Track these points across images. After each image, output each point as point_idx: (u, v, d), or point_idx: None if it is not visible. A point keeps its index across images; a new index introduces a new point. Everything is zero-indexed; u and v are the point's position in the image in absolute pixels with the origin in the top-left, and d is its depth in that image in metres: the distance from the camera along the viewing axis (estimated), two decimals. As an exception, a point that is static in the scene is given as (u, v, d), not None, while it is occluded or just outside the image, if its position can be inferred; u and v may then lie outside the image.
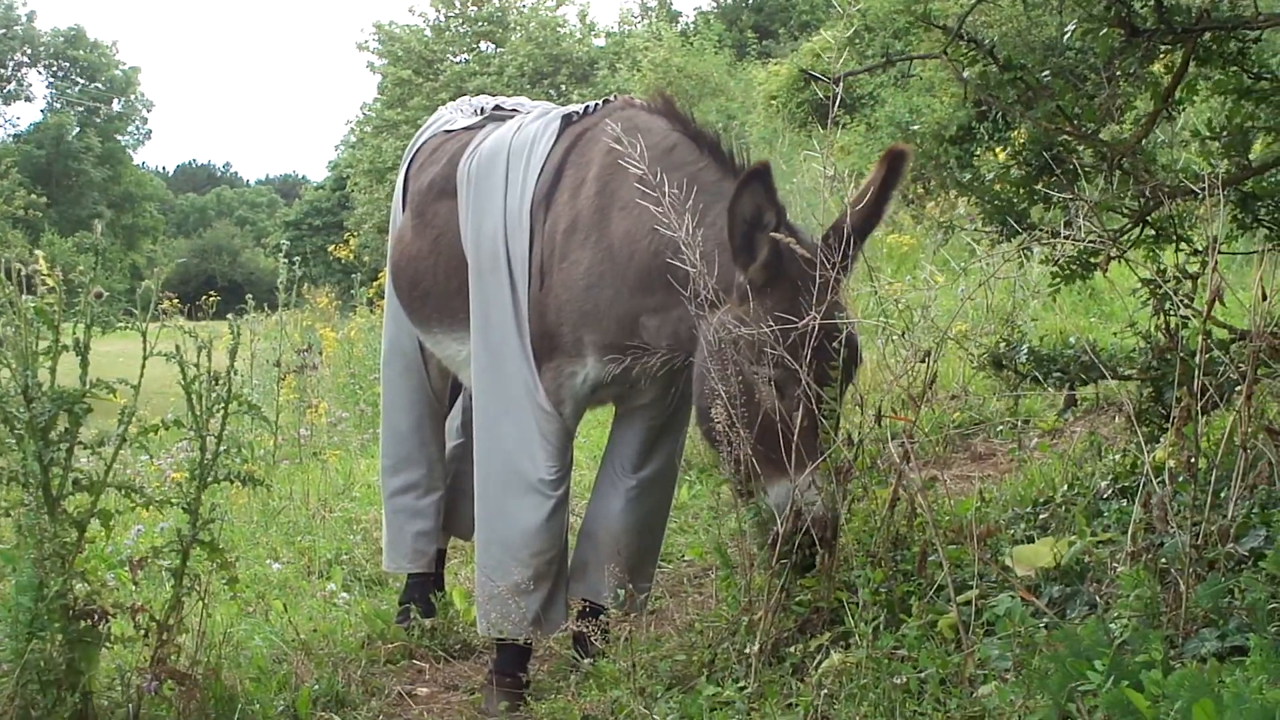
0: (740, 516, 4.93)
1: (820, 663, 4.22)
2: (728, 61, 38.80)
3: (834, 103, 5.10)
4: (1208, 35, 5.03)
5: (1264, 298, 4.18)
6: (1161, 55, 5.22)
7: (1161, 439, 4.66)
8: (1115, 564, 4.17)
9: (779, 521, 4.59)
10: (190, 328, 5.04)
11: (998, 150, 10.01)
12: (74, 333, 4.76)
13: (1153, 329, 5.08)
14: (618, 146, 4.91)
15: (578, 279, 5.28)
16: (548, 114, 5.78)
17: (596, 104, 5.69)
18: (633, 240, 5.13)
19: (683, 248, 4.64)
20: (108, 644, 4.83)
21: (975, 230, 5.60)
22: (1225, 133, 5.07)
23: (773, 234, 4.67)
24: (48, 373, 4.71)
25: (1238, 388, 4.19)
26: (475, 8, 59.23)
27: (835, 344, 4.62)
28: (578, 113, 5.65)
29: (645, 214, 4.84)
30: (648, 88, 29.72)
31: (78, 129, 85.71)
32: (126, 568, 5.17)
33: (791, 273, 4.72)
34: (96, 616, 4.72)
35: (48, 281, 4.79)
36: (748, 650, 4.49)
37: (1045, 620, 3.89)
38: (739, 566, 4.97)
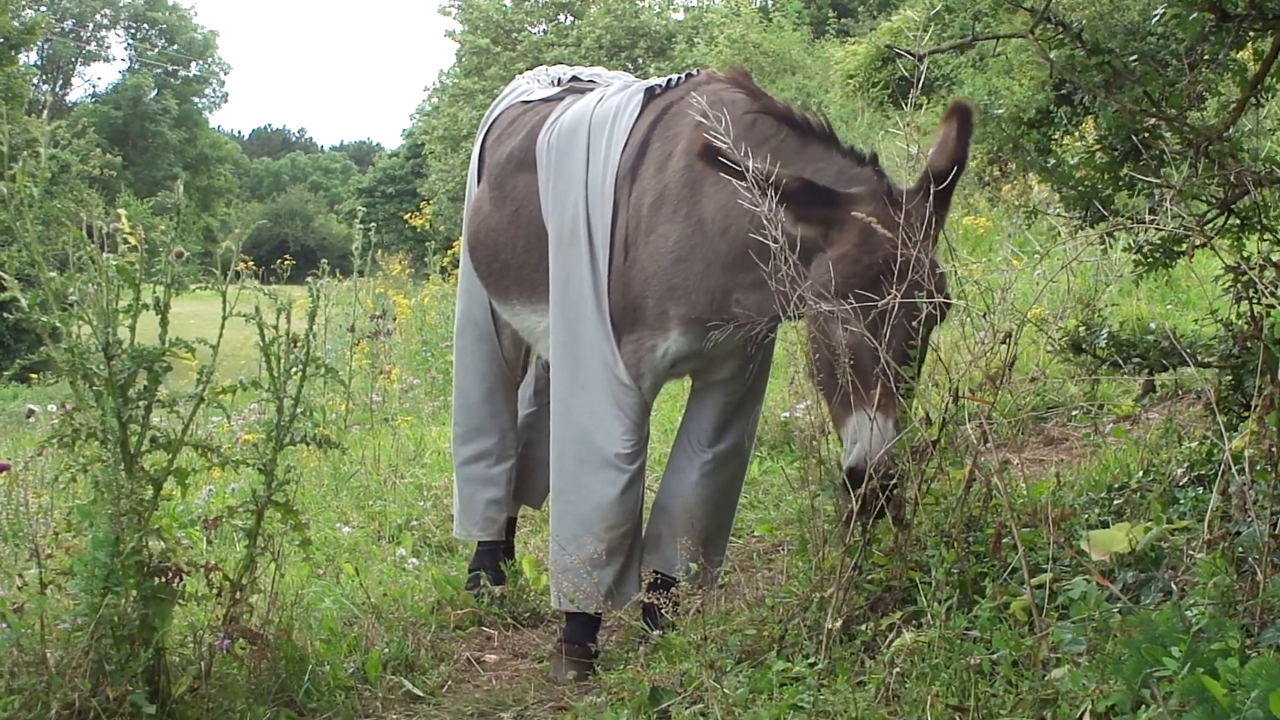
0: (812, 491, 4.94)
1: (892, 641, 4.21)
2: (806, 39, 38.66)
3: (917, 83, 5.08)
4: (1299, 22, 4.97)
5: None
6: (1250, 41, 5.15)
7: (1241, 427, 4.62)
8: (1191, 552, 4.15)
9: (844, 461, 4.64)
10: (268, 291, 5.07)
11: (1074, 135, 9.93)
12: (154, 292, 4.79)
13: (1234, 316, 5.04)
14: (703, 121, 4.88)
15: (666, 252, 5.27)
16: (629, 86, 5.76)
17: (679, 77, 5.66)
18: (727, 215, 5.11)
19: (765, 223, 4.63)
20: (181, 601, 4.86)
21: (1058, 216, 5.55)
22: (1312, 121, 5.02)
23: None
24: (127, 331, 4.73)
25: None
26: (555, -22, 59.25)
27: (912, 288, 4.58)
28: (660, 86, 5.62)
29: (739, 190, 4.81)
30: (725, 63, 29.63)
31: (155, 91, 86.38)
32: (198, 527, 5.21)
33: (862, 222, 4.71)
34: (171, 574, 4.75)
35: (129, 240, 4.80)
36: (824, 626, 4.48)
37: (1120, 605, 3.87)
38: (811, 543, 4.97)
